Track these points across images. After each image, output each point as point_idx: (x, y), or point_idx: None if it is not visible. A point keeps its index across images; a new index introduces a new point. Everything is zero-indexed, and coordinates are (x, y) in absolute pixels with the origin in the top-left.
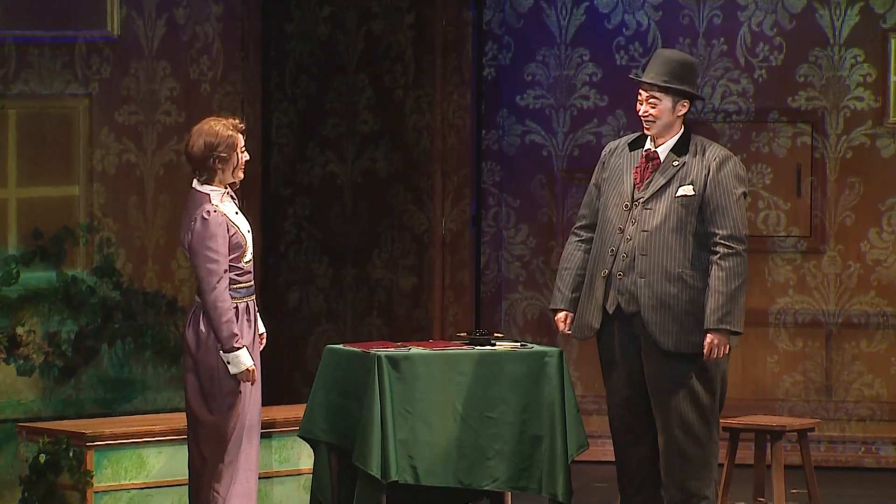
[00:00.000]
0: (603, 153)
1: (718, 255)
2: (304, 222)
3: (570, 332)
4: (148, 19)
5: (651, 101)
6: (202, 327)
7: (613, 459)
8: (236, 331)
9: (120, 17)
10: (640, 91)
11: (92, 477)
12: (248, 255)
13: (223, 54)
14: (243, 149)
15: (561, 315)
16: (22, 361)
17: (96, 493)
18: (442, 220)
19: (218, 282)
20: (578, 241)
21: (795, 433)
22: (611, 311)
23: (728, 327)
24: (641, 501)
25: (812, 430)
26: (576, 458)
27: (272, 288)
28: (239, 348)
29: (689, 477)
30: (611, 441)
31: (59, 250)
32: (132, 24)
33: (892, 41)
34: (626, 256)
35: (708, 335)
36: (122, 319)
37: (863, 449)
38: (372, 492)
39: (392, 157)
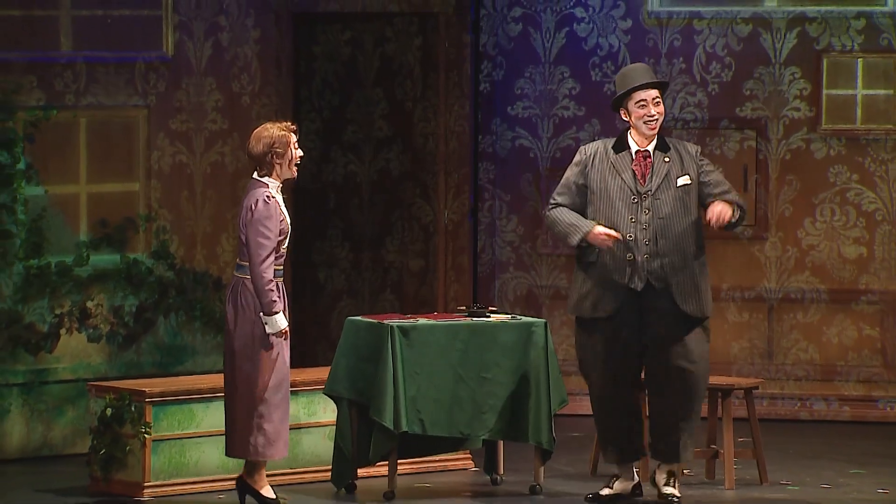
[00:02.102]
0: (582, 155)
1: (731, 192)
2: (328, 213)
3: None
4: (197, 42)
5: (655, 101)
6: (240, 302)
7: (590, 413)
8: (276, 298)
9: (173, 40)
10: (645, 96)
11: (150, 428)
12: (286, 243)
13: (260, 72)
14: (296, 145)
15: (599, 228)
16: (91, 330)
17: (154, 441)
18: (445, 211)
19: (267, 256)
20: (562, 205)
21: (742, 391)
22: (639, 290)
23: (738, 201)
24: (622, 447)
25: (756, 388)
26: (557, 412)
27: (302, 269)
28: (277, 312)
29: (682, 425)
30: (586, 397)
31: (122, 237)
32: (184, 46)
33: (825, 61)
34: (648, 241)
35: (719, 203)
36: (176, 295)
37: (799, 404)
38: (386, 440)
39: (403, 159)
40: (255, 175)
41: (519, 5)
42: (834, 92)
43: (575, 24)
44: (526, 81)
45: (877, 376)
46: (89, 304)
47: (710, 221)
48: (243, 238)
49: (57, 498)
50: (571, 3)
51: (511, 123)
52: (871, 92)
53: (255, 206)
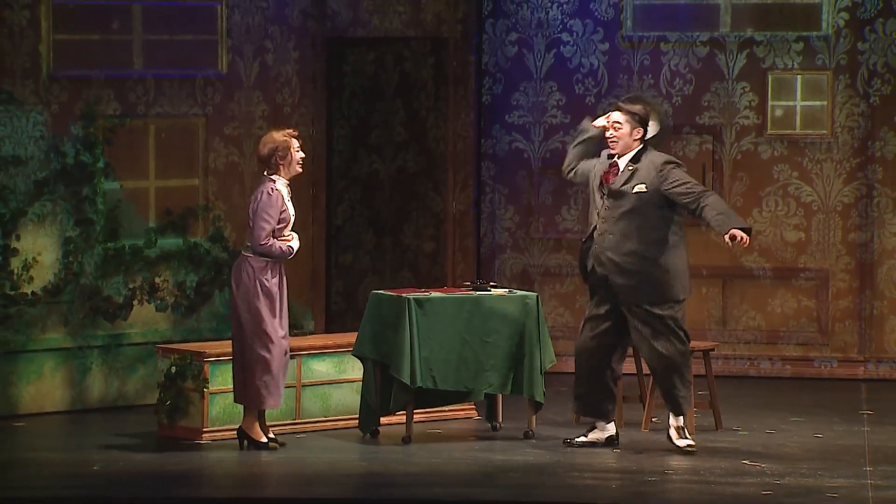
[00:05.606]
0: (598, 157)
1: (704, 198)
2: (356, 204)
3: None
4: (247, 61)
5: (614, 124)
6: (243, 276)
7: (573, 371)
8: (282, 248)
9: (227, 60)
10: (610, 118)
11: (208, 383)
12: (289, 229)
13: (299, 86)
14: (297, 148)
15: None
16: (159, 302)
17: (211, 394)
18: (453, 202)
19: (266, 236)
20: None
21: (701, 352)
22: (588, 268)
23: (741, 225)
24: (585, 400)
25: (713, 350)
26: (547, 370)
27: (334, 251)
28: (286, 248)
29: (663, 384)
30: (572, 358)
31: (184, 223)
32: (236, 65)
33: (770, 77)
34: (601, 235)
35: (734, 231)
36: (229, 273)
37: (748, 364)
38: (404, 394)
39: (418, 159)
40: (265, 173)
41: (515, 31)
42: (777, 103)
43: (561, 47)
44: (521, 94)
45: (813, 340)
46: (157, 279)
47: (731, 243)
48: (250, 223)
49: (130, 440)
50: (558, 29)
51: (508, 129)
52: (808, 103)
53: (260, 197)
